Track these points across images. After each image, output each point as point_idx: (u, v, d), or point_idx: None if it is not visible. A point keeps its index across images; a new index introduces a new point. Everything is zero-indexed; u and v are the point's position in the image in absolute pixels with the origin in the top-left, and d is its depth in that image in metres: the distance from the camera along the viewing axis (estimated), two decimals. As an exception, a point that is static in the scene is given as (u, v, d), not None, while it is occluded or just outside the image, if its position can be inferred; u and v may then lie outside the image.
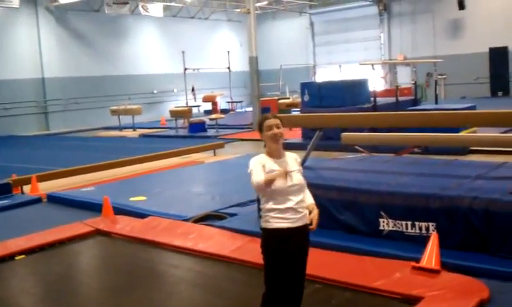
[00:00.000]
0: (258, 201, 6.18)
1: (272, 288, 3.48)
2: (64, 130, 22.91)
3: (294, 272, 3.49)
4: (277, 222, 3.42)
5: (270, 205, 3.44)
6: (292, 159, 3.57)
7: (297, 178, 3.50)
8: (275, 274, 3.46)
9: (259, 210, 3.65)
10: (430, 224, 5.12)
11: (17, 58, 22.65)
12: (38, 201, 8.79)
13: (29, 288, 5.32)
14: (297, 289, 3.54)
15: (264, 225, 3.49)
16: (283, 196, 3.42)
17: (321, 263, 4.90)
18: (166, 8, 26.83)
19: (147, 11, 25.68)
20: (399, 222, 5.33)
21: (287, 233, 3.42)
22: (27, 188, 9.47)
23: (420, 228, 5.19)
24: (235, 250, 5.62)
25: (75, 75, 24.37)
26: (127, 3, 24.84)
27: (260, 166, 3.44)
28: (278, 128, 3.48)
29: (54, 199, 8.77)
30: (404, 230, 5.29)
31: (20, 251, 6.08)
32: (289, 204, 3.42)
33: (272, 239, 3.45)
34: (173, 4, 27.37)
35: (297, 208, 3.44)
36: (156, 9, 26.08)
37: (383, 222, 5.44)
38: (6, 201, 8.61)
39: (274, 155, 3.50)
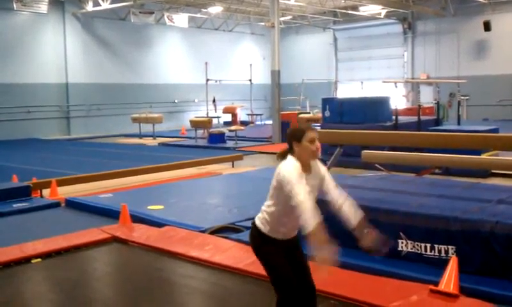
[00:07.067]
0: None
1: (282, 288, 3.28)
2: (85, 135, 23.19)
3: (295, 268, 3.34)
4: (272, 232, 3.28)
5: (275, 211, 3.24)
6: (317, 170, 3.33)
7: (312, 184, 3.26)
8: (278, 269, 3.29)
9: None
10: (450, 247, 5.03)
11: (42, 62, 23.02)
12: (56, 205, 8.84)
13: (43, 293, 5.34)
14: (306, 293, 3.37)
15: (258, 223, 3.32)
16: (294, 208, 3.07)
17: (337, 281, 4.85)
18: (190, 19, 27.07)
19: (172, 22, 25.92)
20: (418, 243, 5.24)
21: (278, 243, 3.31)
22: (46, 192, 9.55)
23: (440, 251, 5.10)
24: (251, 264, 5.56)
25: (99, 81, 24.69)
26: (153, 13, 25.14)
27: (299, 177, 3.08)
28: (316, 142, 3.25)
29: (73, 204, 8.83)
30: (423, 252, 5.21)
31: (37, 254, 6.10)
32: (296, 219, 3.08)
33: (262, 240, 3.32)
34: (198, 15, 27.61)
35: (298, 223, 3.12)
36: (181, 20, 26.31)
37: (402, 243, 5.36)
38: (25, 203, 8.67)
39: (306, 169, 3.23)
